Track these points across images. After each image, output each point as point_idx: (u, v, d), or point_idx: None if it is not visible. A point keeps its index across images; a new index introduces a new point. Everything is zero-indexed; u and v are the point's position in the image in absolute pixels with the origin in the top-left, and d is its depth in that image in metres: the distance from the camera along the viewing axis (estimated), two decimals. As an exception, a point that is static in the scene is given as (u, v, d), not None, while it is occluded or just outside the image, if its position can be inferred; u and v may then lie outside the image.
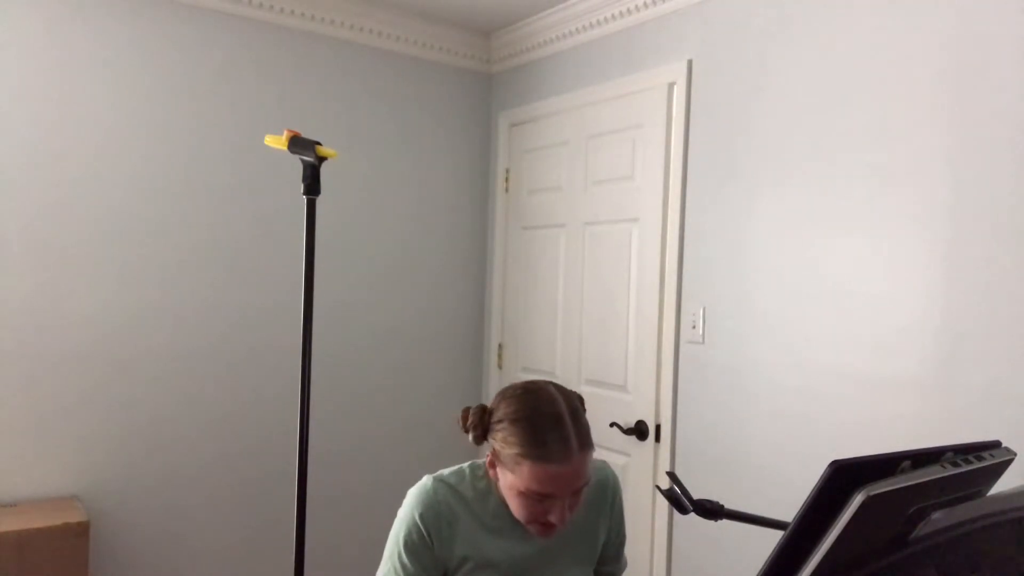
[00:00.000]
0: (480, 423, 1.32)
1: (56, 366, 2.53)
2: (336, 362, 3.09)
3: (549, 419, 1.24)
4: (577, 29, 2.99)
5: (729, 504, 1.35)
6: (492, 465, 1.32)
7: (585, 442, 1.25)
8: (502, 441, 1.26)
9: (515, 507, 1.28)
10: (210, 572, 2.84)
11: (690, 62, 2.56)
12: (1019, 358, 1.76)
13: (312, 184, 1.74)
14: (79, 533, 2.30)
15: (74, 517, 2.33)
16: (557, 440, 1.22)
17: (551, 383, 1.34)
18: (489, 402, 1.36)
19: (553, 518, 1.24)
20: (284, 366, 2.96)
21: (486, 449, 1.33)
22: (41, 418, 2.52)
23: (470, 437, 1.33)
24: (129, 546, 2.67)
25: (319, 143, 1.72)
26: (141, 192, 2.66)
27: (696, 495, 1.31)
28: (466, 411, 1.35)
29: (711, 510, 1.28)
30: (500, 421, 1.28)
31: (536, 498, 1.24)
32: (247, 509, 2.91)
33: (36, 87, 2.48)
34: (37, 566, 2.22)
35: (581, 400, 1.33)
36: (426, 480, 1.36)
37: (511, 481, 1.26)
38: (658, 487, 1.38)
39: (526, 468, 1.22)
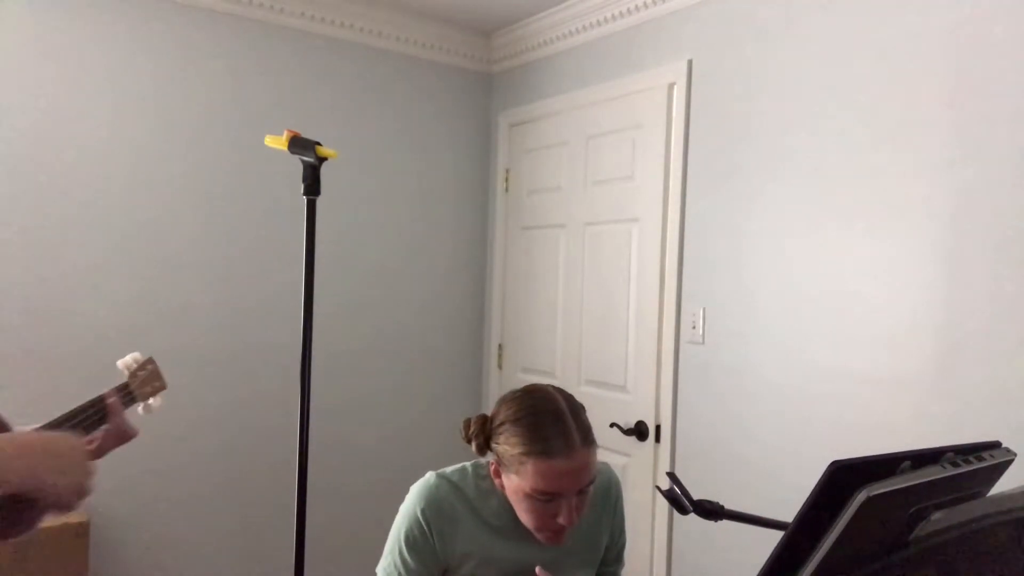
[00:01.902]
0: (482, 431, 1.31)
1: (55, 365, 2.53)
2: (336, 362, 3.09)
3: (550, 416, 1.25)
4: (577, 29, 2.99)
5: (729, 504, 1.35)
6: (497, 474, 1.31)
7: (588, 438, 1.25)
8: (505, 443, 1.26)
9: (523, 512, 1.28)
10: (210, 572, 2.84)
11: (690, 62, 2.56)
12: (1019, 358, 1.76)
13: (312, 184, 1.74)
14: (79, 533, 2.30)
15: (74, 517, 2.33)
16: (559, 435, 1.22)
17: (550, 385, 1.34)
18: (490, 411, 1.36)
19: (562, 520, 1.23)
20: (284, 366, 2.96)
21: (489, 455, 1.33)
22: (41, 419, 2.51)
23: (473, 447, 1.32)
24: (129, 546, 2.67)
25: (319, 143, 1.72)
26: (141, 192, 2.66)
27: (696, 495, 1.31)
28: (467, 421, 1.34)
29: (711, 510, 1.28)
30: (501, 424, 1.28)
31: (543, 499, 1.23)
32: (247, 509, 2.91)
33: (35, 86, 2.48)
34: (37, 566, 2.22)
35: (582, 408, 1.33)
36: (429, 476, 1.36)
37: (516, 485, 1.26)
38: (658, 487, 1.38)
39: (530, 467, 1.22)
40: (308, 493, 1.85)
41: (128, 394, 1.40)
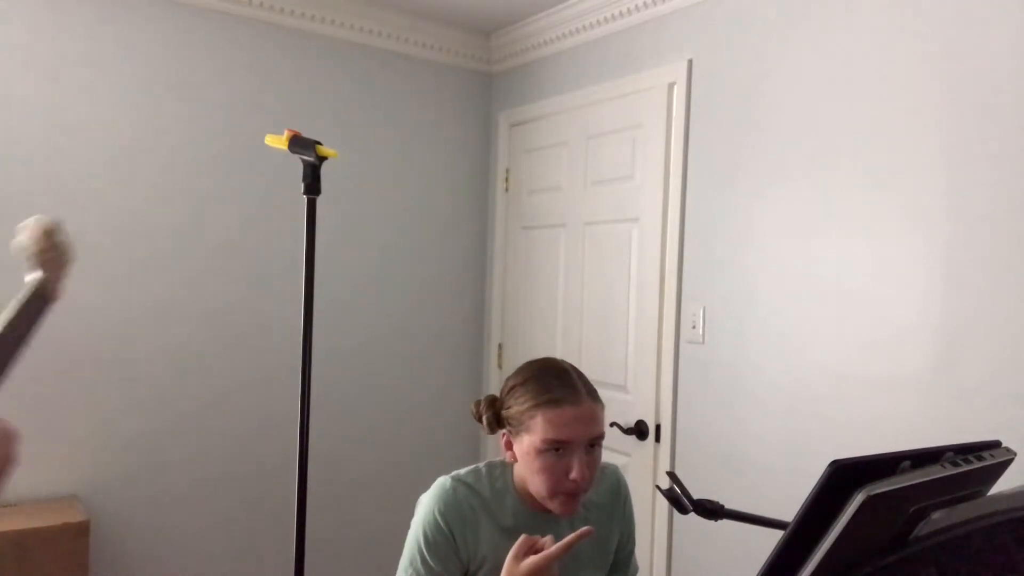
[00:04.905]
0: (491, 407, 1.36)
1: (56, 366, 2.53)
2: (336, 362, 3.09)
3: (555, 373, 1.31)
4: (577, 29, 2.99)
5: (729, 504, 1.35)
6: (509, 446, 1.33)
7: (592, 393, 1.31)
8: (515, 404, 1.30)
9: (536, 475, 1.28)
10: (211, 570, 2.84)
11: (690, 62, 2.56)
12: (1018, 357, 1.76)
13: (312, 184, 1.74)
14: (79, 533, 2.30)
15: (74, 517, 2.33)
16: (565, 387, 1.28)
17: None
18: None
19: (574, 474, 1.24)
20: (284, 366, 2.96)
21: (489, 450, 1.34)
22: (41, 418, 2.52)
23: (484, 423, 1.36)
24: (129, 546, 2.67)
25: (319, 143, 1.72)
26: (140, 192, 2.67)
27: (696, 495, 1.31)
28: (477, 402, 1.40)
29: (711, 510, 1.28)
30: (511, 390, 1.33)
31: (555, 452, 1.25)
32: (247, 507, 2.91)
33: (34, 87, 2.48)
34: (37, 566, 2.22)
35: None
36: (444, 480, 1.35)
37: (528, 445, 1.28)
38: (658, 487, 1.38)
39: (540, 418, 1.26)
40: (308, 492, 1.85)
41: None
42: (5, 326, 1.19)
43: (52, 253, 1.28)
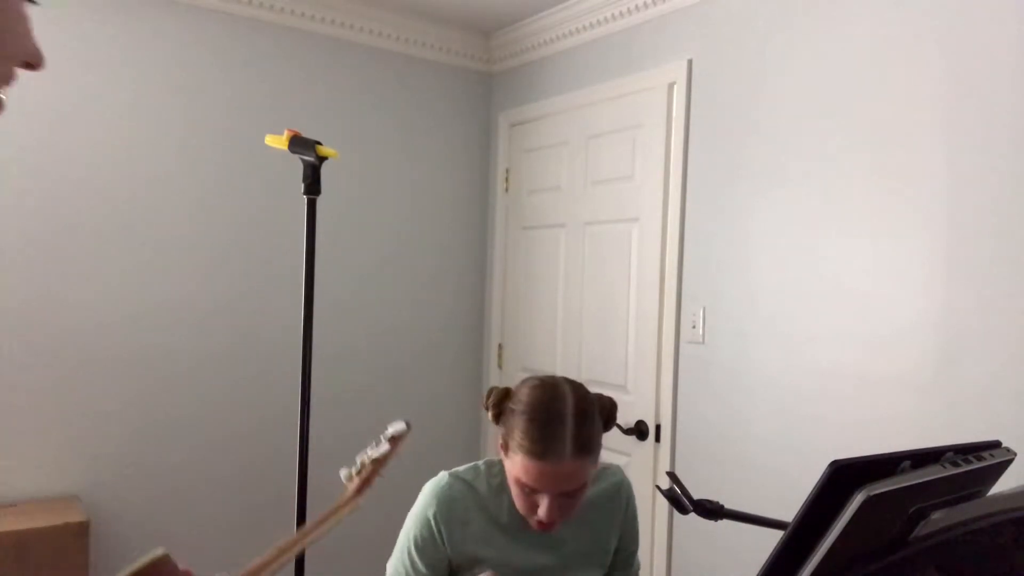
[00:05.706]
0: (499, 404, 1.34)
1: (56, 366, 2.53)
2: (336, 362, 3.09)
3: (552, 417, 1.24)
4: (577, 29, 2.98)
5: (729, 504, 1.35)
6: (503, 447, 1.34)
7: (583, 448, 1.23)
8: (508, 423, 1.30)
9: (514, 493, 1.30)
10: (211, 568, 2.83)
11: (690, 62, 2.56)
12: (1018, 357, 1.76)
13: (312, 184, 1.74)
14: (79, 533, 2.30)
15: (74, 517, 2.33)
16: (552, 439, 1.22)
17: (570, 381, 1.32)
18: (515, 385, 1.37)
19: (541, 512, 1.25)
20: (284, 366, 2.96)
21: (489, 451, 1.35)
22: (41, 418, 2.52)
23: (489, 415, 1.36)
24: (129, 546, 2.67)
25: (319, 143, 1.72)
26: (140, 192, 2.66)
27: (696, 495, 1.31)
28: (491, 390, 1.38)
29: (711, 510, 1.28)
30: (512, 409, 1.30)
31: (526, 489, 1.26)
32: (248, 507, 2.91)
33: (34, 86, 2.48)
34: (37, 566, 2.22)
35: (613, 405, 1.34)
36: (442, 476, 1.37)
37: (510, 466, 1.29)
38: (658, 487, 1.38)
39: (519, 458, 1.25)
40: (308, 492, 1.85)
41: None
42: (313, 532, 1.07)
43: (383, 467, 1.11)
